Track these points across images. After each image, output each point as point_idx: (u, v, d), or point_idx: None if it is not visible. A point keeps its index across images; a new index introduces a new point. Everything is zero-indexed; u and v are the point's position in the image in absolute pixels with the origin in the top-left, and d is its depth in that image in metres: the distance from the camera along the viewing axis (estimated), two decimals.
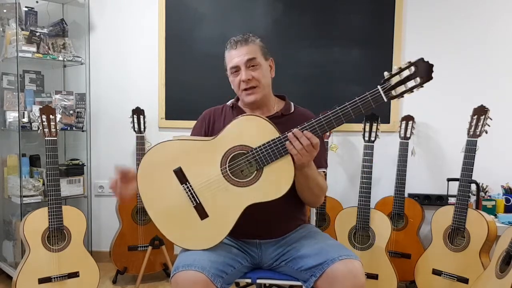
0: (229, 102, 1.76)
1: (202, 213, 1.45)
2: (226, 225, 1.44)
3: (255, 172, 1.43)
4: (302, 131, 1.40)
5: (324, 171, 1.67)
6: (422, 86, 1.39)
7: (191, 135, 1.73)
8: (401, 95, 1.40)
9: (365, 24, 2.85)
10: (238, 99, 1.73)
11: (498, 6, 2.74)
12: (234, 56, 1.61)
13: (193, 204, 1.45)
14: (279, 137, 1.41)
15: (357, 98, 1.40)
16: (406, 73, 1.38)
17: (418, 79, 1.39)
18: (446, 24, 2.79)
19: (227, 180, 1.44)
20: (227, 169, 1.44)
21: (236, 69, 1.61)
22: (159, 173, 1.47)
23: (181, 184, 1.45)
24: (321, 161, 1.63)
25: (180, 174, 1.45)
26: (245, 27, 2.89)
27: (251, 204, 1.43)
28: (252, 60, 1.59)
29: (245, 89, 1.61)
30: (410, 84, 1.38)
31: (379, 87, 1.39)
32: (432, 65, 1.36)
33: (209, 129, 1.70)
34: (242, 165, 1.44)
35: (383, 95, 1.40)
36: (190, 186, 1.45)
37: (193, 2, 2.92)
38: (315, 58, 2.87)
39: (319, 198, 1.58)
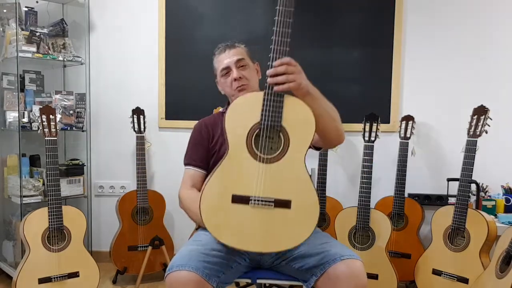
0: (221, 109, 1.82)
1: (284, 204, 1.41)
2: (309, 187, 1.41)
3: (281, 134, 1.41)
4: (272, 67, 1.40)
5: None
6: None
7: (192, 151, 1.75)
8: None
9: (365, 24, 2.85)
10: (229, 103, 1.77)
11: (498, 6, 2.74)
12: (224, 58, 1.70)
13: (271, 205, 1.41)
14: (265, 92, 1.40)
15: (275, 17, 1.43)
16: None
17: None
18: (446, 24, 2.79)
19: (271, 162, 1.41)
20: (261, 155, 1.42)
21: (227, 70, 1.70)
22: (225, 215, 1.41)
23: (248, 203, 1.41)
24: None
25: (239, 199, 1.41)
26: (245, 27, 2.90)
27: (305, 153, 1.42)
28: (241, 60, 1.69)
29: (238, 87, 1.67)
30: None
31: None
32: None
33: (209, 135, 1.74)
34: (266, 140, 1.42)
35: None
36: (254, 197, 1.40)
37: (193, 2, 2.92)
38: (315, 58, 2.87)
39: (337, 122, 1.58)
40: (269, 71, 1.39)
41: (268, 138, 1.42)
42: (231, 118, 1.44)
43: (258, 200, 1.40)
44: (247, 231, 1.41)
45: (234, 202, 1.41)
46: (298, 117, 1.42)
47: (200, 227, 1.72)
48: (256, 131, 1.42)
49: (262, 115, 1.40)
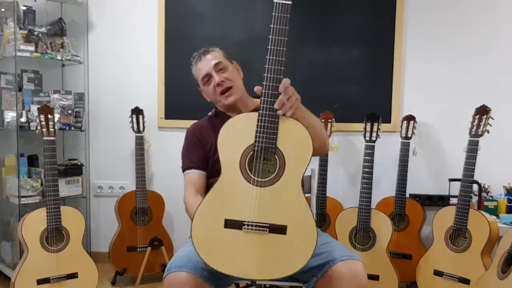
0: (210, 113, 1.79)
1: (280, 229, 1.34)
2: (305, 211, 1.35)
3: (276, 156, 1.36)
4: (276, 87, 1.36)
5: None
6: None
7: (189, 154, 1.71)
8: None
9: (365, 24, 2.84)
10: (217, 108, 1.77)
11: (499, 6, 2.73)
12: (202, 67, 1.68)
13: (266, 230, 1.34)
14: (259, 112, 1.35)
15: (271, 25, 1.39)
16: None
17: None
18: (447, 23, 2.78)
19: (265, 186, 1.36)
20: (256, 178, 1.36)
21: (208, 77, 1.67)
22: (217, 241, 1.36)
23: (241, 228, 1.34)
24: None
25: (232, 223, 1.35)
26: (245, 27, 2.89)
27: (301, 177, 1.36)
28: (219, 64, 1.66)
29: (222, 92, 1.65)
30: None
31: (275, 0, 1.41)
32: None
33: (203, 139, 1.71)
34: (261, 162, 1.37)
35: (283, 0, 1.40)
36: (248, 222, 1.34)
37: (193, 2, 2.91)
38: (315, 58, 2.86)
39: (323, 134, 1.57)
40: (277, 104, 1.33)
41: (264, 160, 1.37)
42: (224, 139, 1.39)
43: (252, 225, 1.34)
44: (241, 257, 1.35)
45: (226, 227, 1.35)
46: (294, 139, 1.37)
47: None
48: (250, 153, 1.36)
49: (256, 136, 1.35)
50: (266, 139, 1.35)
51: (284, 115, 1.35)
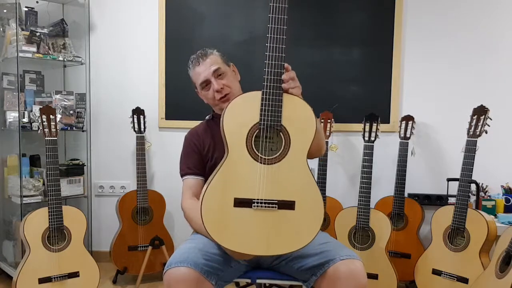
0: (207, 117, 1.81)
1: (288, 205, 1.38)
2: (312, 187, 1.39)
3: (281, 133, 1.39)
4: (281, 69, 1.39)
5: None
6: None
7: (187, 160, 1.73)
8: None
9: (365, 24, 2.85)
10: (214, 111, 1.78)
11: (498, 6, 2.74)
12: (200, 72, 1.68)
13: (275, 207, 1.38)
14: (263, 91, 1.38)
15: (269, 14, 1.40)
16: None
17: None
18: (446, 24, 2.79)
19: (272, 163, 1.39)
20: (262, 156, 1.39)
21: (206, 83, 1.68)
22: (228, 219, 1.38)
23: (251, 206, 1.38)
24: None
25: (241, 202, 1.38)
26: (245, 27, 2.90)
27: (306, 153, 1.40)
28: (218, 69, 1.66)
29: (221, 98, 1.66)
30: None
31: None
32: None
33: (200, 144, 1.72)
34: (266, 141, 1.40)
35: None
36: (257, 200, 1.38)
37: (193, 2, 2.92)
38: (315, 58, 2.87)
39: (322, 139, 1.60)
40: (283, 76, 1.37)
41: (269, 138, 1.40)
42: (229, 119, 1.41)
43: (261, 203, 1.37)
44: (251, 234, 1.38)
45: (236, 205, 1.38)
46: (298, 115, 1.40)
47: None
48: (256, 132, 1.39)
49: (261, 114, 1.38)
50: (271, 117, 1.38)
51: (287, 92, 1.38)
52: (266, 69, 1.37)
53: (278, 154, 1.39)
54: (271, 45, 1.37)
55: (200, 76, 1.67)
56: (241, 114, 1.41)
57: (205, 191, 1.40)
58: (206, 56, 1.68)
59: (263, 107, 1.38)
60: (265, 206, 1.38)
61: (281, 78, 1.38)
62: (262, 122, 1.38)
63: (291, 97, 1.40)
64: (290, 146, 1.39)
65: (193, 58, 1.71)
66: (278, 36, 1.37)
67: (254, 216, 1.38)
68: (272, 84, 1.37)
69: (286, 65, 1.39)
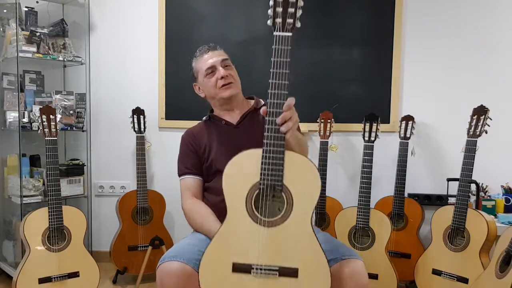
0: (204, 118, 1.81)
1: (291, 272, 1.27)
2: (318, 253, 1.28)
3: (283, 194, 1.29)
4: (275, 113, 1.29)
5: None
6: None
7: (184, 160, 1.73)
8: (293, 25, 1.30)
9: (365, 24, 2.85)
10: (212, 111, 1.79)
11: (498, 6, 2.74)
12: (208, 58, 1.69)
13: (276, 274, 1.28)
14: (264, 150, 1.28)
15: (272, 59, 1.29)
16: (279, 8, 1.28)
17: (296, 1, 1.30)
18: (446, 24, 2.79)
19: (273, 226, 1.29)
20: (263, 218, 1.30)
21: (212, 70, 1.69)
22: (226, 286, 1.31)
23: (250, 272, 1.29)
24: None
25: (240, 267, 1.30)
26: (245, 27, 2.90)
27: (311, 215, 1.30)
28: (226, 60, 1.71)
29: (223, 85, 1.67)
30: (291, 9, 1.30)
31: (275, 33, 1.30)
32: None
33: (197, 145, 1.73)
34: (267, 201, 1.30)
35: (283, 34, 1.30)
36: (257, 266, 1.29)
37: (193, 2, 2.92)
38: (315, 57, 2.87)
39: (302, 144, 1.53)
40: (279, 119, 1.26)
41: (273, 197, 1.30)
42: (229, 178, 1.33)
43: (261, 269, 1.28)
44: None
45: (235, 271, 1.30)
46: (302, 174, 1.29)
47: None
48: (257, 192, 1.30)
49: (261, 173, 1.28)
50: (272, 176, 1.28)
51: (285, 135, 1.28)
52: (267, 126, 1.27)
53: (280, 215, 1.29)
54: (271, 110, 1.28)
55: (208, 62, 1.69)
56: (241, 172, 1.32)
57: (204, 253, 1.33)
58: (215, 48, 1.73)
59: (264, 165, 1.27)
60: (265, 273, 1.28)
61: (284, 135, 1.27)
62: (262, 182, 1.28)
63: (293, 155, 1.29)
64: (292, 208, 1.28)
65: (202, 47, 1.74)
66: (279, 101, 1.28)
67: (254, 283, 1.28)
68: (273, 142, 1.27)
69: (286, 102, 1.28)
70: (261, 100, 1.79)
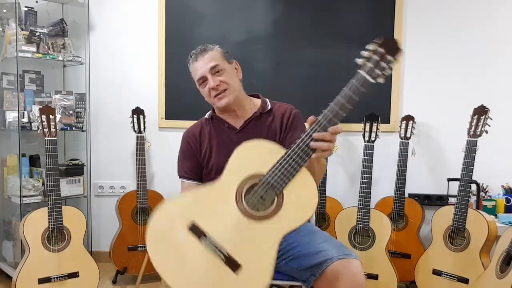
0: (206, 115, 1.78)
1: (234, 265, 1.25)
2: (265, 269, 1.24)
3: (276, 198, 1.29)
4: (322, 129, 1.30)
5: None
6: (395, 59, 1.33)
7: (183, 163, 1.73)
8: (383, 74, 1.33)
9: (365, 24, 2.85)
10: (214, 110, 1.76)
11: (499, 6, 2.73)
12: (198, 68, 1.64)
13: (221, 258, 1.25)
14: (287, 152, 1.28)
15: (346, 89, 1.34)
16: (376, 57, 1.34)
17: (389, 57, 1.33)
18: (446, 24, 2.79)
19: (249, 218, 1.28)
20: (245, 205, 1.29)
21: (203, 79, 1.64)
22: (172, 238, 1.29)
23: (200, 238, 1.27)
24: None
25: (196, 230, 1.28)
26: (245, 27, 2.90)
27: (283, 235, 1.27)
28: (216, 66, 1.61)
29: (216, 95, 1.63)
30: (384, 62, 1.33)
31: (359, 71, 1.33)
32: (395, 40, 1.34)
33: (197, 146, 1.71)
34: (259, 196, 1.30)
35: (367, 76, 1.33)
36: (210, 238, 1.27)
37: (193, 2, 2.92)
38: (315, 58, 2.87)
39: (320, 177, 1.55)
40: (319, 135, 1.27)
41: (263, 195, 1.30)
42: (240, 155, 1.33)
43: (214, 244, 1.26)
44: (186, 267, 1.26)
45: (190, 230, 1.28)
46: (302, 194, 1.28)
47: None
48: (254, 181, 1.30)
49: (271, 169, 1.28)
50: (278, 179, 1.28)
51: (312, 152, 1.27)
52: (305, 133, 1.28)
53: (260, 214, 1.28)
54: (327, 113, 1.31)
55: (197, 72, 1.64)
56: (254, 156, 1.32)
57: (172, 196, 1.31)
58: (205, 51, 1.64)
59: (278, 165, 1.27)
60: (214, 250, 1.26)
61: (313, 150, 1.27)
62: (266, 176, 1.28)
63: (306, 174, 1.28)
64: (275, 216, 1.27)
65: (193, 53, 1.68)
66: (331, 119, 1.32)
67: (198, 252, 1.26)
68: (300, 152, 1.26)
69: (335, 127, 1.29)
70: (267, 100, 1.73)
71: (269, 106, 1.70)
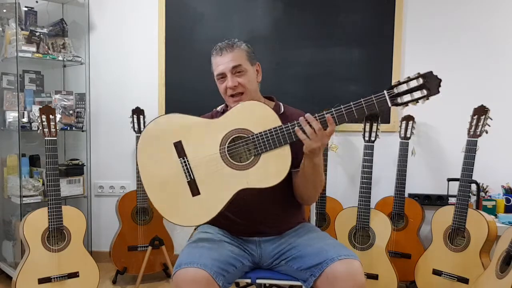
0: (219, 108, 1.76)
1: (194, 190, 1.45)
2: (216, 206, 1.44)
3: (253, 157, 1.44)
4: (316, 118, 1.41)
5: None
6: (428, 99, 1.36)
7: None
8: (405, 104, 1.37)
9: (365, 24, 2.85)
10: (227, 105, 1.74)
11: (498, 6, 2.73)
12: (220, 63, 1.61)
13: (187, 179, 1.45)
14: (281, 126, 1.42)
15: (362, 100, 1.37)
16: (414, 83, 1.35)
17: (425, 91, 1.35)
18: (446, 24, 2.79)
19: (224, 161, 1.45)
20: (226, 150, 1.45)
21: (222, 76, 1.61)
22: (160, 144, 1.49)
23: (179, 157, 1.47)
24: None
25: (179, 147, 1.47)
26: (245, 27, 2.90)
27: (243, 188, 1.43)
28: (238, 66, 1.59)
29: (232, 95, 1.61)
30: (417, 94, 1.35)
31: (385, 91, 1.36)
32: (440, 80, 1.35)
33: None
34: (240, 148, 1.45)
35: (388, 100, 1.36)
36: (187, 160, 1.46)
37: (193, 2, 2.92)
38: (315, 58, 2.87)
39: (317, 192, 1.59)
40: (309, 116, 1.40)
41: (245, 151, 1.45)
42: (243, 108, 1.47)
43: (188, 166, 1.46)
44: (158, 171, 1.48)
45: (175, 145, 1.47)
46: (274, 165, 1.43)
47: (199, 226, 1.72)
48: (246, 138, 1.44)
49: (264, 132, 1.42)
50: (265, 142, 1.42)
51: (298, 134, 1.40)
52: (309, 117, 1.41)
53: (233, 162, 1.45)
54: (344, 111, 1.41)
55: (218, 68, 1.61)
56: (257, 115, 1.45)
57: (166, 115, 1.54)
58: (231, 48, 1.61)
59: (273, 131, 1.42)
60: (185, 170, 1.46)
61: (315, 131, 1.39)
62: (258, 135, 1.43)
63: (288, 154, 1.42)
64: (244, 171, 1.44)
65: (218, 45, 1.64)
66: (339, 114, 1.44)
67: (173, 165, 1.46)
68: (291, 129, 1.42)
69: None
70: (281, 104, 1.71)
71: (282, 110, 1.69)
